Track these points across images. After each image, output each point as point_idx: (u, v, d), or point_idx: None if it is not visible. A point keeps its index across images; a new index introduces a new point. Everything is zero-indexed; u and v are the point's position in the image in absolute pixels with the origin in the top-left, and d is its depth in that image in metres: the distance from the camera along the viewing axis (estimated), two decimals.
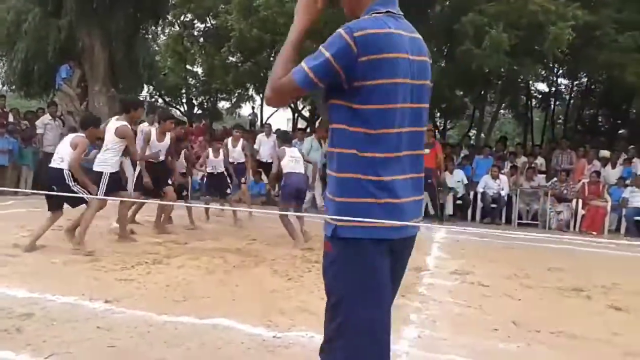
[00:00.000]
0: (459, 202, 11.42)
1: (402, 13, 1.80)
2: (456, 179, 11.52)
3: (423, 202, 1.88)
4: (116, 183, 6.34)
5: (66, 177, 5.71)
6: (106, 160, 6.22)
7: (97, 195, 5.90)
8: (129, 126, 6.32)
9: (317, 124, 17.35)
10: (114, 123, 6.38)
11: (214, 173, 8.77)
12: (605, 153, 12.38)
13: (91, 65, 13.44)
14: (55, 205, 5.83)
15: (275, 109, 21.40)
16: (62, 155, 5.81)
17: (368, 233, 1.68)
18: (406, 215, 1.75)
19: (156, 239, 6.71)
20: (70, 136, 6.05)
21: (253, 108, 22.87)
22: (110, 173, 6.17)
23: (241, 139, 9.63)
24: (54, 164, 5.85)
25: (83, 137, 5.95)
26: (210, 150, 8.95)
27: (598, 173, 11.13)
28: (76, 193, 5.68)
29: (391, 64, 1.67)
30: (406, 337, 3.46)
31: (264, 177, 12.11)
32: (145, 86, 19.44)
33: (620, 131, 18.37)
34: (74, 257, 5.37)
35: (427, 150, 10.54)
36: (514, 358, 3.24)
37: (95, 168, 6.24)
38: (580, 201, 10.72)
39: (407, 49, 1.72)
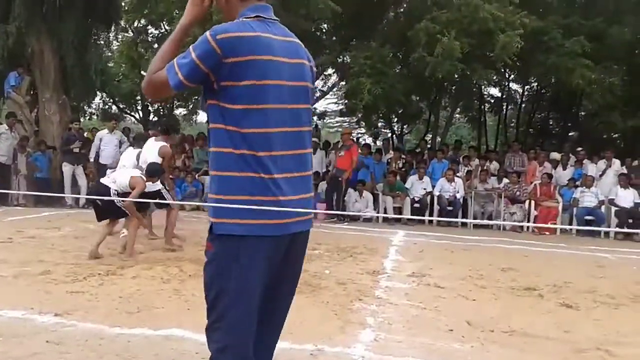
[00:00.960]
0: (416, 205, 11.55)
1: (276, 19, 1.87)
2: (424, 186, 11.67)
3: (311, 200, 1.92)
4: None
5: (112, 195, 5.99)
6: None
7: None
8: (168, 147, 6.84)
9: None
10: (155, 144, 6.87)
11: None
12: (555, 155, 12.78)
13: (41, 71, 13.05)
14: (103, 214, 6.27)
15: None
16: (116, 179, 6.17)
17: (245, 229, 1.71)
18: (289, 213, 1.78)
19: (109, 249, 6.54)
20: (133, 172, 6.33)
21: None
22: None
23: None
24: (106, 181, 6.25)
25: (143, 180, 6.16)
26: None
27: (549, 175, 11.46)
28: (120, 208, 6.01)
29: (259, 66, 1.72)
30: (362, 341, 3.49)
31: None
32: (98, 93, 19.01)
33: (570, 133, 18.99)
34: (24, 269, 5.19)
35: (342, 153, 10.86)
36: (468, 357, 3.30)
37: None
38: (532, 202, 11.01)
39: (277, 52, 1.78)
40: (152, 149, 6.80)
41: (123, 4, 15.14)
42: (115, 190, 6.05)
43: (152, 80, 1.79)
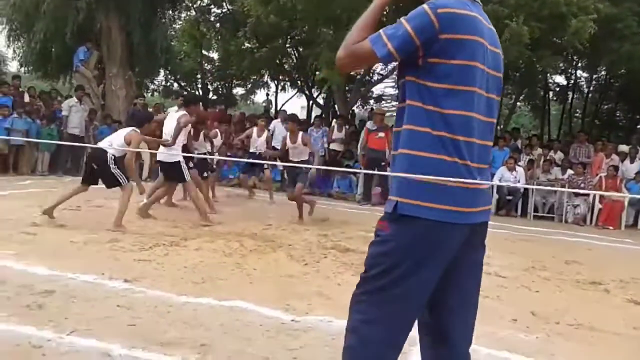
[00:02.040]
0: None
1: (480, 2, 1.81)
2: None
3: (490, 192, 1.88)
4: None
5: (109, 159, 6.00)
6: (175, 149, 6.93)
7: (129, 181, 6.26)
8: (188, 116, 7.12)
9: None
10: (174, 114, 7.26)
11: (256, 153, 9.17)
12: (623, 147, 12.24)
13: (109, 47, 13.48)
14: (87, 180, 6.19)
15: (290, 95, 21.39)
16: (112, 141, 6.16)
17: (435, 214, 1.64)
18: (478, 200, 1.73)
19: (172, 221, 6.73)
20: (126, 130, 6.34)
21: (268, 95, 22.84)
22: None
23: (266, 130, 9.69)
24: (102, 144, 6.20)
25: (137, 132, 6.21)
26: (254, 129, 9.44)
27: (616, 167, 11.01)
28: (115, 175, 6.01)
29: (470, 46, 1.67)
30: None
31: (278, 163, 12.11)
32: (161, 70, 19.46)
33: (638, 126, 18.15)
34: (94, 236, 5.40)
35: (381, 134, 10.58)
36: (533, 348, 3.22)
37: (168, 159, 6.98)
38: (597, 195, 10.62)
39: (485, 36, 1.72)
40: (173, 118, 7.20)
41: None
42: (112, 155, 6.02)
43: (354, 51, 1.73)
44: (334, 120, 13.66)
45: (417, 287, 1.69)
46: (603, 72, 17.32)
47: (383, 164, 10.52)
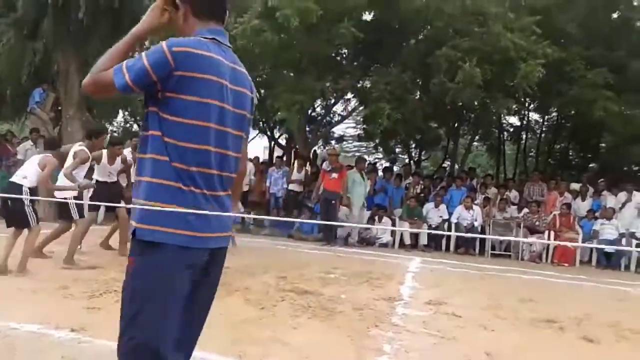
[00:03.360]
0: (433, 231, 11.46)
1: (229, 45, 1.95)
2: (440, 214, 11.59)
3: (230, 219, 1.99)
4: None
5: (24, 194, 5.69)
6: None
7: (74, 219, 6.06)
8: (85, 150, 6.55)
9: (294, 152, 17.36)
10: (76, 147, 6.65)
11: None
12: (576, 186, 12.64)
13: (65, 89, 13.28)
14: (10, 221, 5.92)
15: (252, 136, 21.38)
16: (26, 173, 5.84)
17: (171, 238, 1.75)
18: (214, 226, 1.85)
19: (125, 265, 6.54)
20: (39, 156, 6.08)
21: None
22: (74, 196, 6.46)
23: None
24: (15, 178, 5.89)
25: (51, 157, 6.00)
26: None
27: (569, 205, 11.33)
28: (26, 214, 5.73)
29: (205, 84, 1.78)
30: None
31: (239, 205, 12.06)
32: (120, 111, 19.27)
33: (590, 165, 18.78)
34: (43, 284, 5.21)
35: (334, 175, 10.67)
36: None
37: (60, 195, 6.40)
38: (552, 233, 10.86)
39: (225, 76, 1.85)
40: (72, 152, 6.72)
41: None
42: (28, 188, 5.76)
43: (98, 78, 1.81)
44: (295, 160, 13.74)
45: (168, 308, 1.79)
46: (554, 114, 17.96)
47: (333, 202, 10.60)
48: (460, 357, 3.81)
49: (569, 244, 10.33)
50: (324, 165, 11.54)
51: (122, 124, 22.15)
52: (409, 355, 3.79)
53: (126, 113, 20.75)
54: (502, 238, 10.67)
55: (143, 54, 1.76)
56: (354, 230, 10.98)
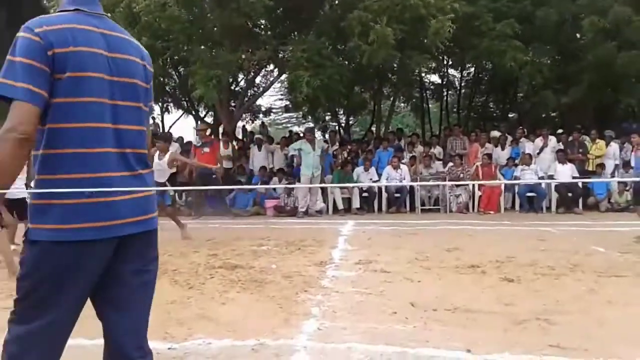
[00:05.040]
0: (364, 194, 11.62)
1: (103, 13, 1.80)
2: (370, 176, 11.74)
3: (149, 200, 1.83)
4: None
5: None
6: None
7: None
8: None
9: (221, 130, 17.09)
10: None
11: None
12: (495, 133, 13.12)
13: None
14: None
15: (176, 117, 20.88)
16: None
17: (54, 235, 1.61)
18: (119, 212, 1.70)
19: None
20: None
21: (153, 118, 22.10)
22: None
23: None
24: None
25: None
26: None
27: (489, 155, 11.73)
28: None
29: (77, 57, 1.63)
30: (306, 331, 3.45)
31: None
32: None
33: (510, 115, 19.51)
34: None
35: (206, 149, 10.88)
36: (410, 337, 3.31)
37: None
38: (476, 184, 11.26)
39: (100, 44, 1.71)
40: None
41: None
42: None
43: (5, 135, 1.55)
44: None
45: (60, 308, 1.67)
46: (471, 69, 18.46)
47: (214, 176, 10.62)
48: (387, 311, 3.89)
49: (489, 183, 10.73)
50: (194, 141, 11.61)
51: None
52: (336, 314, 3.84)
53: None
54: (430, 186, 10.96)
55: (9, 56, 1.58)
56: (300, 202, 10.97)
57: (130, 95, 1.78)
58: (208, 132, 12.77)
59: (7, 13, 12.29)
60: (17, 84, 1.55)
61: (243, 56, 12.52)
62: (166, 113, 20.91)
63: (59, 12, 1.73)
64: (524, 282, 4.83)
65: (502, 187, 11.23)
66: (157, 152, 7.84)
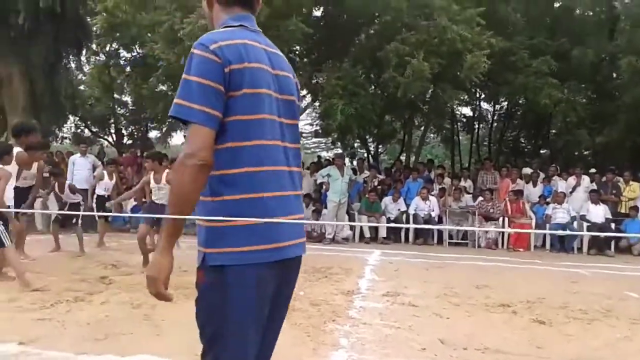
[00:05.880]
0: (392, 224, 11.57)
1: (259, 30, 1.78)
2: (398, 207, 11.71)
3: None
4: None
5: None
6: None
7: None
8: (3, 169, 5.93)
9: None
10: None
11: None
12: (527, 170, 12.98)
13: (10, 96, 12.91)
14: None
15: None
16: None
17: (240, 258, 1.57)
18: (284, 235, 1.65)
19: (79, 275, 6.39)
20: None
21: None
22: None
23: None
24: None
25: (3, 169, 5.72)
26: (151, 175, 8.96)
27: (517, 192, 11.58)
28: None
29: (252, 73, 1.60)
30: None
31: None
32: (70, 116, 18.79)
33: (542, 151, 19.30)
34: None
35: None
36: None
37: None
38: (506, 219, 11.12)
39: (266, 61, 1.68)
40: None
41: (94, 27, 15.09)
42: None
43: (187, 160, 1.53)
44: None
45: (249, 337, 1.64)
46: (504, 103, 18.40)
47: None
48: (416, 346, 3.86)
49: (521, 230, 10.59)
50: None
51: (72, 129, 21.60)
52: (365, 347, 3.82)
53: (77, 118, 20.26)
54: (458, 228, 10.87)
55: (184, 76, 1.56)
56: (328, 228, 10.97)
57: (291, 113, 1.76)
58: None
59: (53, 27, 12.69)
60: (194, 105, 1.53)
61: None
62: None
63: (224, 27, 1.71)
64: (555, 325, 4.73)
65: (533, 225, 11.07)
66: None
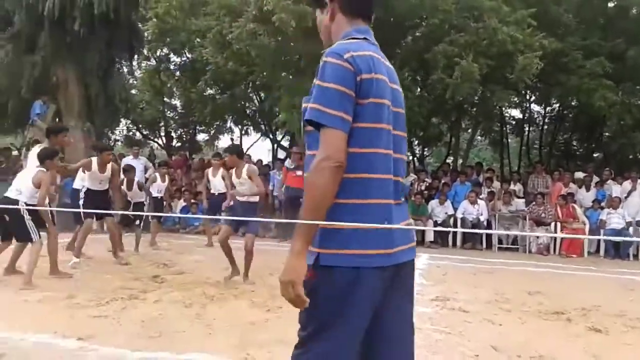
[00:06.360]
0: (439, 227, 11.42)
1: (376, 43, 1.82)
2: (445, 210, 11.58)
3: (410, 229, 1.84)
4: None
5: (22, 209, 5.62)
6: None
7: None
8: (44, 172, 5.99)
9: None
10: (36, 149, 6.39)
11: (215, 194, 9.16)
12: (580, 175, 12.59)
13: (66, 100, 13.34)
14: (6, 235, 5.88)
15: (254, 139, 21.47)
16: (21, 188, 5.78)
17: (351, 261, 1.61)
18: (396, 240, 1.70)
19: (132, 273, 6.57)
20: (32, 171, 5.94)
21: (232, 139, 22.83)
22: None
23: (221, 168, 9.54)
24: (10, 193, 5.82)
25: (44, 172, 5.86)
26: (209, 171, 9.32)
27: (566, 196, 11.24)
28: (27, 229, 5.64)
29: (378, 84, 1.66)
30: None
31: None
32: (122, 120, 19.34)
33: (595, 154, 18.69)
34: (49, 294, 5.22)
35: (299, 172, 10.75)
36: None
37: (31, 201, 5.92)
38: (558, 224, 10.82)
39: (385, 74, 1.73)
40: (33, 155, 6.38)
41: (146, 33, 15.49)
42: (24, 202, 5.66)
43: (323, 162, 1.58)
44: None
45: (348, 339, 1.66)
46: (555, 105, 17.90)
47: (301, 199, 10.64)
48: (468, 353, 3.79)
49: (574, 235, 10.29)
50: (287, 164, 11.66)
51: (124, 133, 22.22)
52: (416, 352, 3.76)
53: (128, 122, 20.83)
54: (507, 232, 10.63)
55: (318, 83, 1.62)
56: None
57: (401, 125, 1.81)
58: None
59: (107, 33, 13.08)
60: (331, 111, 1.59)
61: None
62: (245, 135, 21.60)
63: (348, 39, 1.75)
64: (612, 333, 4.57)
65: (586, 230, 10.73)
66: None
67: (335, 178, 1.58)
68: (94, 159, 7.31)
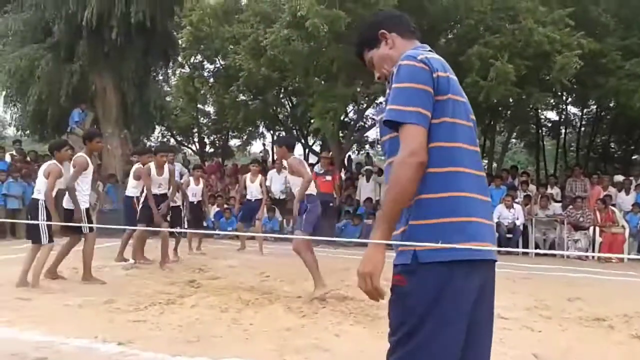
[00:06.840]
0: None
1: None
2: None
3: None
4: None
5: (40, 208, 5.76)
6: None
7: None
8: (83, 156, 6.16)
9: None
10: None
11: (252, 200, 9.32)
12: (619, 178, 12.28)
13: (103, 108, 13.68)
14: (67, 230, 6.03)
15: None
16: (39, 187, 5.90)
17: (451, 255, 1.58)
18: (485, 237, 1.68)
19: (169, 278, 6.66)
20: (44, 165, 6.07)
21: (264, 145, 23.02)
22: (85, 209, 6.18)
23: (259, 175, 9.61)
24: (35, 194, 5.96)
25: (55, 164, 5.94)
26: (247, 176, 9.45)
27: (604, 200, 10.97)
28: (39, 231, 5.71)
29: (453, 82, 1.72)
30: None
31: (277, 213, 12.18)
32: (157, 127, 19.68)
33: (634, 157, 18.21)
34: (90, 298, 5.33)
35: (328, 177, 10.93)
36: None
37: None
38: (597, 229, 10.56)
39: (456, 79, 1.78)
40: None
41: (180, 41, 15.75)
42: (43, 202, 5.74)
43: (405, 159, 1.61)
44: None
45: (448, 341, 1.62)
46: (593, 107, 17.52)
47: (331, 205, 10.72)
48: None
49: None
50: (316, 169, 11.68)
51: (159, 139, 22.60)
52: None
53: (163, 128, 21.18)
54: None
55: (397, 85, 1.66)
56: None
57: (467, 118, 1.79)
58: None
59: (143, 41, 13.34)
60: (408, 108, 1.62)
61: (358, 89, 12.73)
62: None
63: (415, 49, 1.82)
64: None
65: (627, 234, 10.45)
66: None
67: (418, 174, 1.60)
68: (151, 163, 7.47)
